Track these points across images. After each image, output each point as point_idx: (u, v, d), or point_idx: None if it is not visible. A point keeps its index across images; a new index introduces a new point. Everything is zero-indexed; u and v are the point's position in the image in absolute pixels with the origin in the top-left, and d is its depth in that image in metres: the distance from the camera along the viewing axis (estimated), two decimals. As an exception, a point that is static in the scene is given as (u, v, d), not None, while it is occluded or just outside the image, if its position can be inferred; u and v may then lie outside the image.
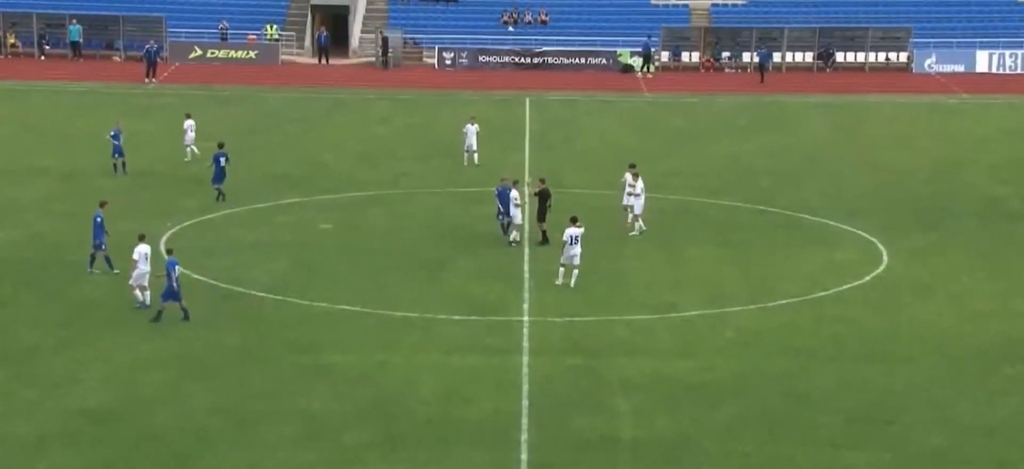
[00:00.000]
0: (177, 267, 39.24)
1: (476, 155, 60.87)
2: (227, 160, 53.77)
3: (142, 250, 40.01)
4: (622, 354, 37.30)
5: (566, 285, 42.47)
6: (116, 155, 58.27)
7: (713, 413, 33.13)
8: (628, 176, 50.02)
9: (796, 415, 33.11)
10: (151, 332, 38.34)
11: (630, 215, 50.03)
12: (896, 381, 35.48)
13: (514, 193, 47.70)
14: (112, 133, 58.96)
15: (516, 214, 47.62)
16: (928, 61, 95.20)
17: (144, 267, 39.84)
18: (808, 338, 38.93)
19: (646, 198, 50.08)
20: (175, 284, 38.95)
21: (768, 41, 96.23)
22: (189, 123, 61.86)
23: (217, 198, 53.39)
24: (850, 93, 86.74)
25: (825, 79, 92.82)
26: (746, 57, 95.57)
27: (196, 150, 61.03)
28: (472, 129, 61.31)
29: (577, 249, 42.49)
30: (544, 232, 47.29)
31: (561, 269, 42.70)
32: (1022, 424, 32.86)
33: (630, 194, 49.66)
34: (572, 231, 42.78)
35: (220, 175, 53.70)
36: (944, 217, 53.75)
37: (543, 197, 47.94)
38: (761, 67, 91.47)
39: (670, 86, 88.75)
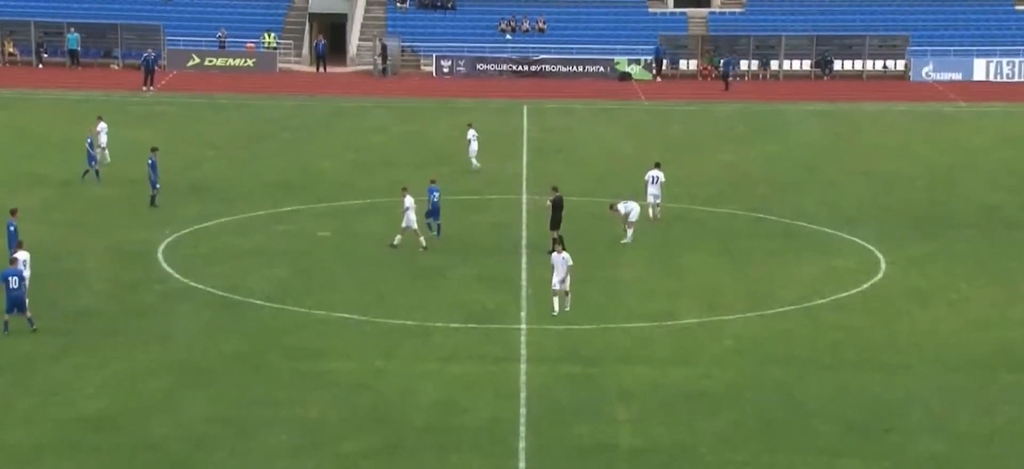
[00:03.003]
0: (14, 278, 38.23)
1: (476, 160, 61.26)
2: (152, 164, 53.85)
3: (23, 257, 39.69)
4: (620, 362, 37.30)
5: (563, 311, 41.09)
6: (91, 163, 58.22)
7: (711, 421, 33.14)
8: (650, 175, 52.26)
9: (794, 423, 33.11)
10: (149, 340, 38.33)
11: (651, 211, 51.95)
12: (894, 389, 35.50)
13: (408, 199, 47.89)
14: (89, 140, 59.02)
15: (410, 218, 47.78)
16: (925, 69, 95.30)
17: (27, 274, 39.23)
18: (806, 346, 38.94)
19: (640, 208, 50.31)
20: (13, 293, 38.14)
21: (765, 49, 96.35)
22: (102, 126, 61.80)
23: (151, 202, 53.51)
24: (848, 101, 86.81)
25: (823, 87, 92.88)
26: (743, 65, 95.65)
27: (107, 154, 61.13)
28: (472, 133, 61.71)
29: (562, 275, 41.12)
30: (556, 240, 47.26)
31: (555, 298, 41.43)
32: (1020, 432, 32.89)
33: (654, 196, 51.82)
34: (556, 257, 41.47)
35: (150, 179, 53.91)
36: (942, 225, 53.78)
37: (557, 205, 47.95)
38: (725, 75, 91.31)
39: (668, 94, 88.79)
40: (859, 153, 68.95)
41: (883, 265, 47.43)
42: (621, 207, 49.45)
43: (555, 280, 41.20)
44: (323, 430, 32.15)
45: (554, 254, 41.79)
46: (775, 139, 72.82)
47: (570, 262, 41.13)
